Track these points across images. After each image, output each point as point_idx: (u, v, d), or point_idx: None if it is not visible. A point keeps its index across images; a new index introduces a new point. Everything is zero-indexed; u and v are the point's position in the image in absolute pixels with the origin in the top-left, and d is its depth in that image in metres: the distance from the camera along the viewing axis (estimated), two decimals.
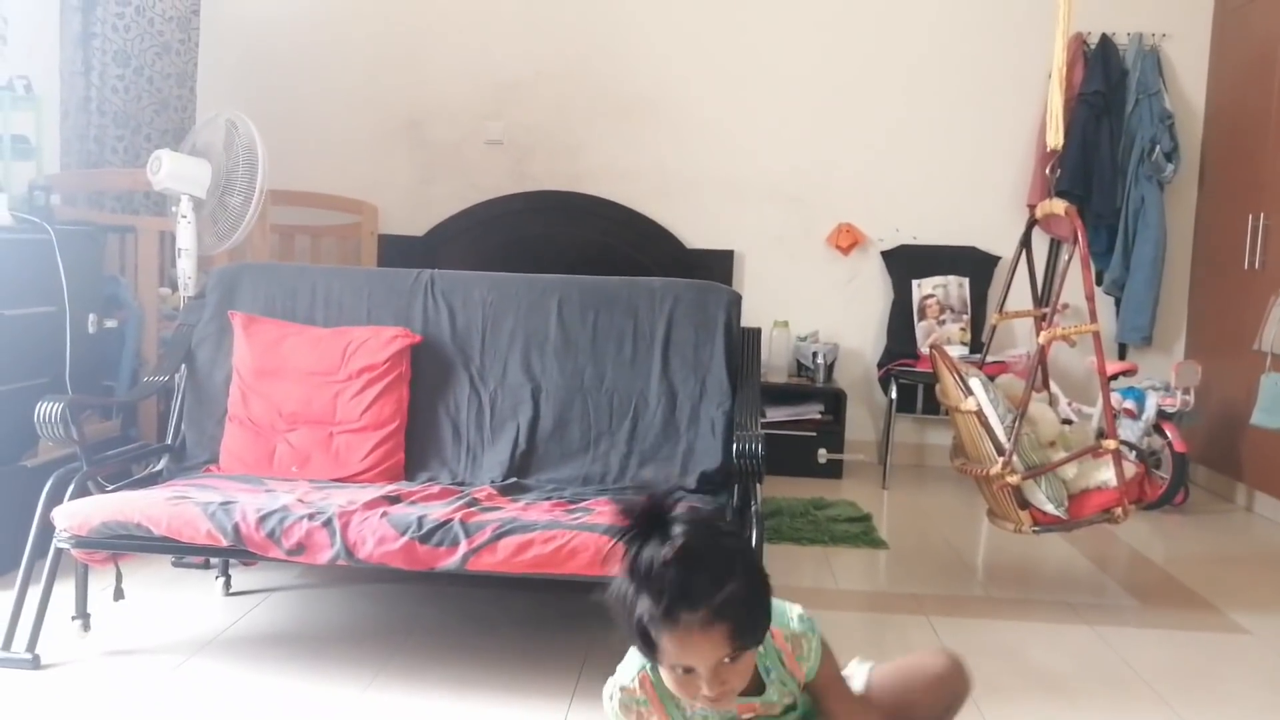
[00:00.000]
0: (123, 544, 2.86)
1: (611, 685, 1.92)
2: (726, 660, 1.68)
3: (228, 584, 3.55)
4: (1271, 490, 5.12)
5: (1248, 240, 5.30)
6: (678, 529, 1.68)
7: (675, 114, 6.20)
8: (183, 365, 3.58)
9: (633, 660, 1.89)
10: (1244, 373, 5.08)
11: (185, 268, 4.08)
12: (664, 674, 1.76)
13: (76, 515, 2.82)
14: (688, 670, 1.70)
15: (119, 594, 3.26)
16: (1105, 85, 5.87)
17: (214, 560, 3.58)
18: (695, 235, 6.18)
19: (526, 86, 6.23)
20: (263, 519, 2.75)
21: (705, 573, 1.66)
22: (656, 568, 1.66)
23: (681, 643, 1.67)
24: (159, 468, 3.45)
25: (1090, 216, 5.80)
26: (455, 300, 3.61)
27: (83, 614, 3.11)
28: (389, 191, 6.20)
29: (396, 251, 5.95)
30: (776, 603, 1.85)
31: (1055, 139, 3.72)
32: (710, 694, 1.70)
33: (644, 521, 1.70)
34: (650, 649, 1.71)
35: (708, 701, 1.72)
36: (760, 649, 1.82)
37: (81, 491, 2.97)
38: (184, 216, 4.07)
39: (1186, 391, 5.12)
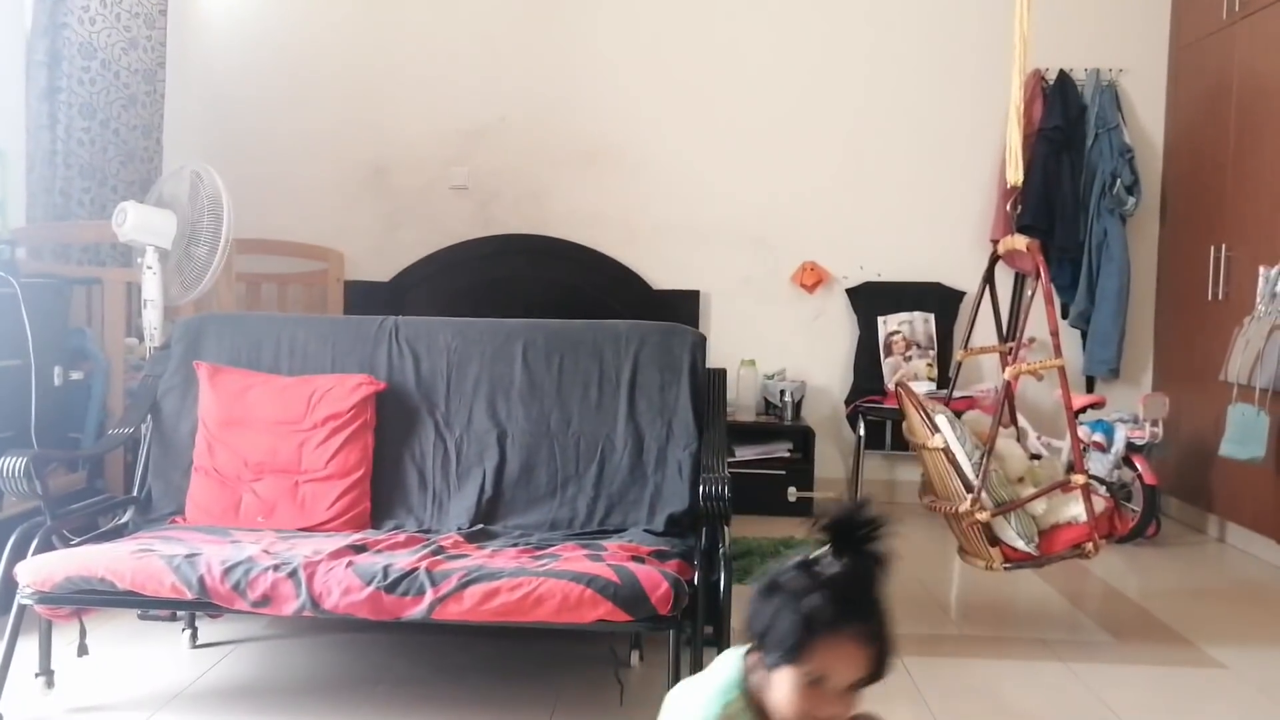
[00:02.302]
0: (87, 599, 2.83)
1: (707, 705, 1.77)
2: (853, 686, 1.68)
3: (194, 636, 3.52)
4: (1242, 521, 5.14)
5: (1210, 271, 5.35)
6: (879, 545, 1.71)
7: (639, 157, 6.23)
8: (148, 416, 3.57)
9: (718, 688, 1.77)
10: (1211, 404, 5.11)
11: (151, 319, 4.06)
12: (780, 686, 1.69)
13: (40, 571, 2.78)
14: (816, 682, 1.66)
15: (83, 649, 3.22)
16: (1064, 120, 5.93)
17: (180, 613, 3.54)
18: (661, 276, 6.20)
19: (491, 132, 6.25)
20: (228, 571, 2.73)
21: (877, 596, 1.70)
22: (844, 572, 1.68)
23: (836, 651, 1.65)
24: (124, 520, 3.42)
25: (1054, 250, 5.85)
26: (420, 346, 3.61)
27: (46, 671, 3.07)
28: (355, 238, 6.21)
29: (363, 297, 5.95)
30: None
31: (1015, 175, 3.76)
32: (823, 714, 1.67)
33: (848, 525, 1.72)
34: (795, 649, 1.66)
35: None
36: None
37: (46, 546, 2.93)
38: (149, 268, 4.05)
39: (1155, 423, 5.15)
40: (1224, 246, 5.27)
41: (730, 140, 6.21)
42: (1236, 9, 5.27)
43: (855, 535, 1.71)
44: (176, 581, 2.72)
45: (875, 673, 1.67)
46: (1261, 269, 4.77)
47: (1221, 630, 3.95)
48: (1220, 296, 5.28)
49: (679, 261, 6.22)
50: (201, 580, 2.72)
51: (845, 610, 1.65)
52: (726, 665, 1.78)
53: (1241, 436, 4.73)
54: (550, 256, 6.17)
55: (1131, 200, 5.87)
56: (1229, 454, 4.78)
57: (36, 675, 3.06)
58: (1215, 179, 5.46)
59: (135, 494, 3.51)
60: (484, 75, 6.25)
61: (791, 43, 6.18)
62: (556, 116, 6.24)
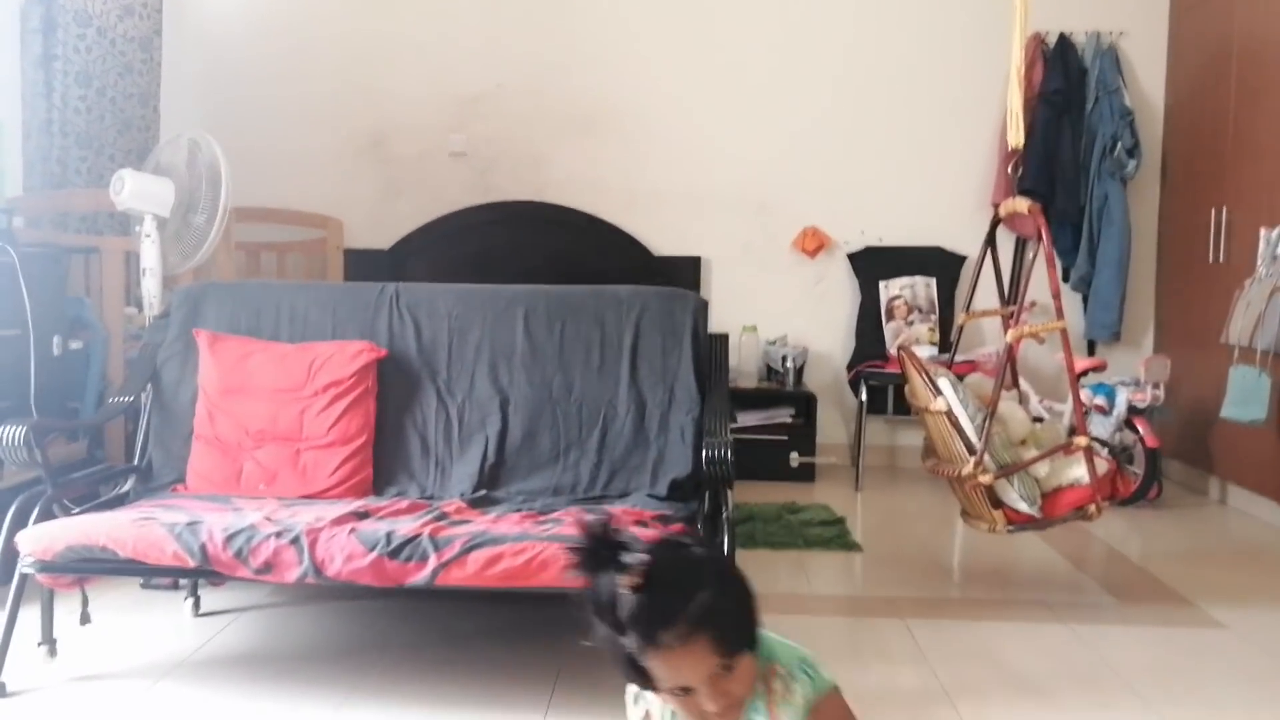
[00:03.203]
0: (89, 567, 2.83)
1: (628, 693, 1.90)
2: (721, 670, 1.64)
3: (197, 605, 3.52)
4: (1243, 482, 5.15)
5: (1211, 234, 5.33)
6: (630, 555, 1.65)
7: (639, 123, 6.20)
8: (148, 385, 3.55)
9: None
10: (1213, 366, 5.10)
11: (150, 287, 4.05)
12: (668, 702, 1.72)
13: (41, 539, 2.78)
14: (686, 690, 1.65)
15: (85, 618, 3.24)
16: (1065, 84, 5.91)
17: (183, 581, 3.54)
18: (662, 243, 6.18)
19: (489, 99, 6.22)
20: (230, 538, 2.73)
21: (672, 588, 1.63)
22: (621, 598, 1.63)
23: (668, 664, 1.63)
24: (126, 489, 3.41)
25: (1054, 214, 5.83)
26: (420, 313, 3.60)
27: (49, 639, 3.08)
28: (354, 206, 6.18)
29: (362, 266, 5.93)
30: (781, 641, 1.81)
31: (1016, 138, 3.73)
32: (714, 708, 1.65)
33: (594, 558, 1.67)
34: (647, 681, 1.67)
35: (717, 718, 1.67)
36: (758, 678, 1.75)
37: (47, 515, 2.93)
38: (148, 236, 4.03)
39: (1156, 386, 5.15)
40: (1224, 209, 5.25)
41: (731, 106, 6.18)
42: None
43: (608, 551, 1.67)
44: (178, 549, 2.72)
45: (728, 649, 1.64)
46: (1262, 231, 4.75)
47: (1222, 591, 3.96)
48: (1221, 259, 5.26)
49: (680, 227, 6.20)
50: (203, 548, 2.71)
51: (648, 629, 1.61)
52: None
53: (1243, 399, 4.72)
54: (550, 223, 6.15)
55: (1132, 163, 5.85)
56: (1230, 416, 4.77)
57: (39, 644, 3.07)
58: (1215, 142, 5.43)
59: (136, 463, 3.50)
60: (482, 41, 6.22)
61: (793, 7, 6.14)
62: (555, 82, 6.21)
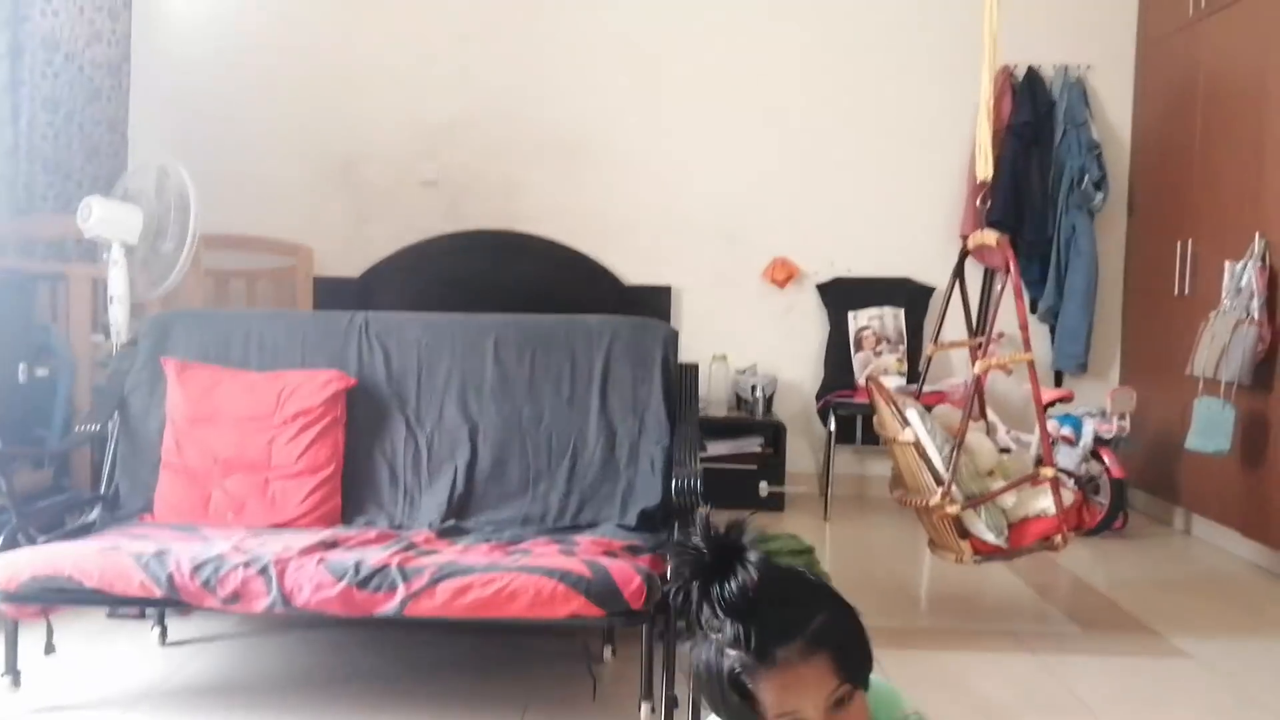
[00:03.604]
0: (54, 597, 2.80)
1: None
2: (836, 701, 1.47)
3: (164, 634, 3.49)
4: (1207, 513, 5.19)
5: (1177, 266, 5.38)
6: (751, 558, 1.48)
7: (610, 152, 6.22)
8: (116, 413, 3.53)
9: None
10: (1178, 397, 5.15)
11: (117, 315, 4.03)
12: None
13: (5, 569, 2.75)
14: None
15: (50, 648, 3.20)
16: (1033, 116, 5.97)
17: (150, 610, 3.51)
18: (632, 272, 6.20)
19: (460, 127, 6.23)
20: (197, 568, 2.71)
21: (792, 602, 1.50)
22: (737, 605, 1.46)
23: (782, 684, 1.45)
24: (92, 518, 3.37)
25: (1023, 245, 5.87)
26: (390, 342, 3.59)
27: (12, 670, 3.04)
28: (324, 234, 6.16)
29: (332, 294, 5.91)
30: (888, 687, 1.69)
31: (984, 171, 3.77)
32: None
33: (714, 561, 1.49)
34: (750, 710, 1.48)
35: None
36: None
37: (11, 544, 2.91)
38: (115, 263, 4.02)
39: (1122, 417, 5.19)
40: (1190, 241, 5.31)
41: (701, 136, 6.21)
42: (1202, 6, 5.31)
43: (727, 555, 1.50)
44: (145, 579, 2.70)
45: (848, 674, 1.48)
46: (1227, 263, 4.81)
47: (1187, 621, 3.98)
48: (1186, 291, 5.32)
49: (650, 257, 6.22)
50: (170, 578, 2.70)
51: (764, 641, 1.46)
52: None
53: (1207, 430, 4.76)
54: (520, 252, 6.15)
55: (1099, 196, 5.92)
56: (1195, 447, 4.81)
57: (2, 674, 3.03)
58: (1181, 175, 5.50)
59: (102, 491, 3.48)
60: (452, 69, 6.23)
61: (763, 39, 6.18)
62: (526, 112, 6.23)
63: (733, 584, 1.46)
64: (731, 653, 1.46)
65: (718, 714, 1.54)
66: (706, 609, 1.48)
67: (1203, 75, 5.34)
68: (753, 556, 1.47)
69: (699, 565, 1.49)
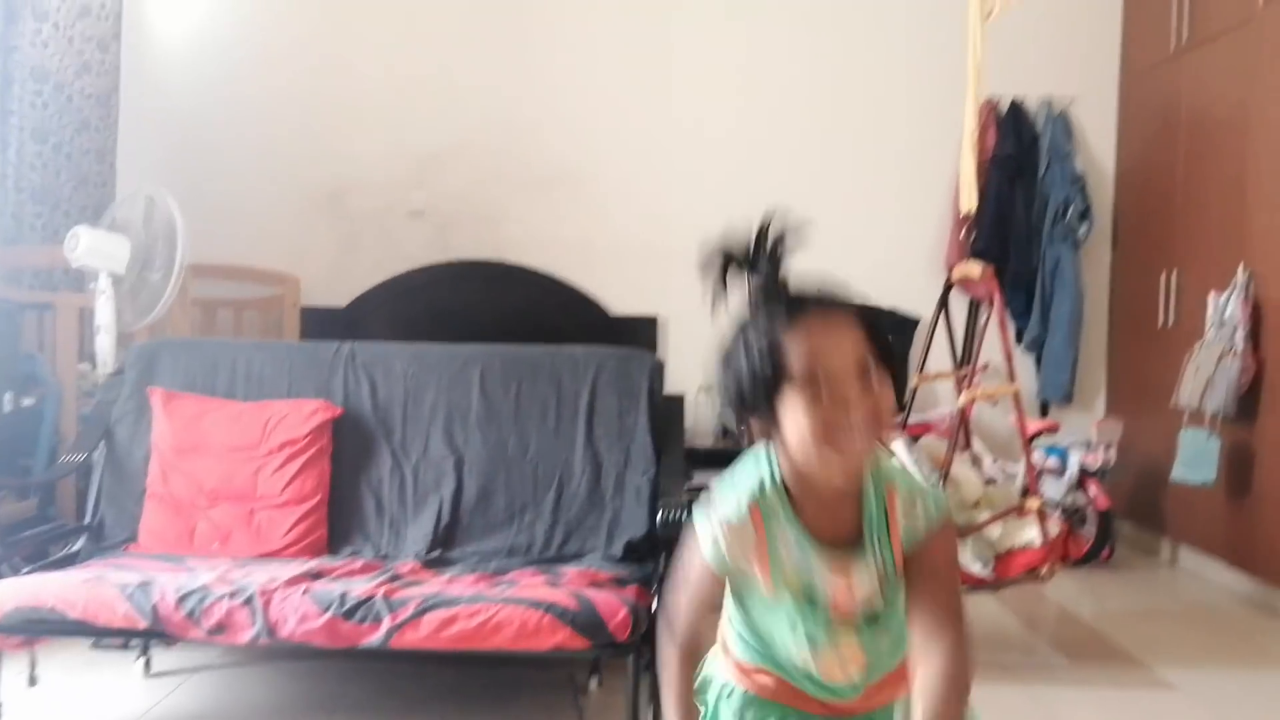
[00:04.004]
0: (38, 628, 2.80)
1: (710, 524, 1.61)
2: (863, 368, 1.48)
3: (148, 665, 3.47)
4: (1194, 544, 5.20)
5: (1161, 298, 5.41)
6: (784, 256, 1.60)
7: (596, 182, 6.24)
8: (101, 443, 3.53)
9: (734, 493, 1.61)
10: (1163, 428, 5.16)
11: (104, 344, 4.03)
12: (788, 424, 1.49)
13: None
14: (814, 387, 1.46)
15: (33, 680, 3.19)
16: (1017, 148, 6.00)
17: (134, 641, 3.50)
18: (619, 302, 6.20)
19: (448, 157, 6.24)
20: (182, 599, 2.70)
21: (832, 288, 1.57)
22: (781, 277, 1.57)
23: (817, 336, 1.48)
24: (76, 548, 3.37)
25: (1008, 276, 5.89)
26: (376, 373, 3.59)
27: None
28: (311, 263, 6.16)
29: (319, 323, 5.90)
30: (892, 463, 1.65)
31: (969, 203, 3.80)
32: (855, 418, 1.46)
33: (757, 249, 1.61)
34: (778, 374, 1.48)
35: (851, 436, 1.46)
36: (870, 490, 1.58)
37: None
38: (103, 293, 4.03)
39: (1108, 448, 5.20)
40: (1174, 273, 5.34)
41: (688, 167, 6.23)
42: (1184, 40, 5.36)
43: (762, 258, 1.60)
44: (130, 610, 2.70)
45: (880, 349, 1.50)
46: (1211, 295, 4.84)
47: (1173, 652, 3.98)
48: (1171, 322, 5.35)
49: (637, 287, 6.22)
50: (155, 609, 2.69)
51: (801, 299, 1.54)
52: (748, 463, 1.63)
53: (1193, 461, 4.78)
54: (507, 282, 6.16)
55: (1084, 227, 5.95)
56: (1180, 478, 4.83)
57: None
58: (1165, 206, 5.54)
59: (87, 521, 3.47)
60: (440, 99, 6.25)
61: (749, 70, 6.22)
62: (513, 140, 6.24)
63: (774, 267, 1.59)
64: (765, 319, 1.53)
65: (735, 397, 1.57)
66: (746, 272, 1.60)
67: (1185, 108, 5.39)
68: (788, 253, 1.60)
69: (740, 243, 1.62)
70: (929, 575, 1.59)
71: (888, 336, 1.54)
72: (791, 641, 1.63)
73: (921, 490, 1.61)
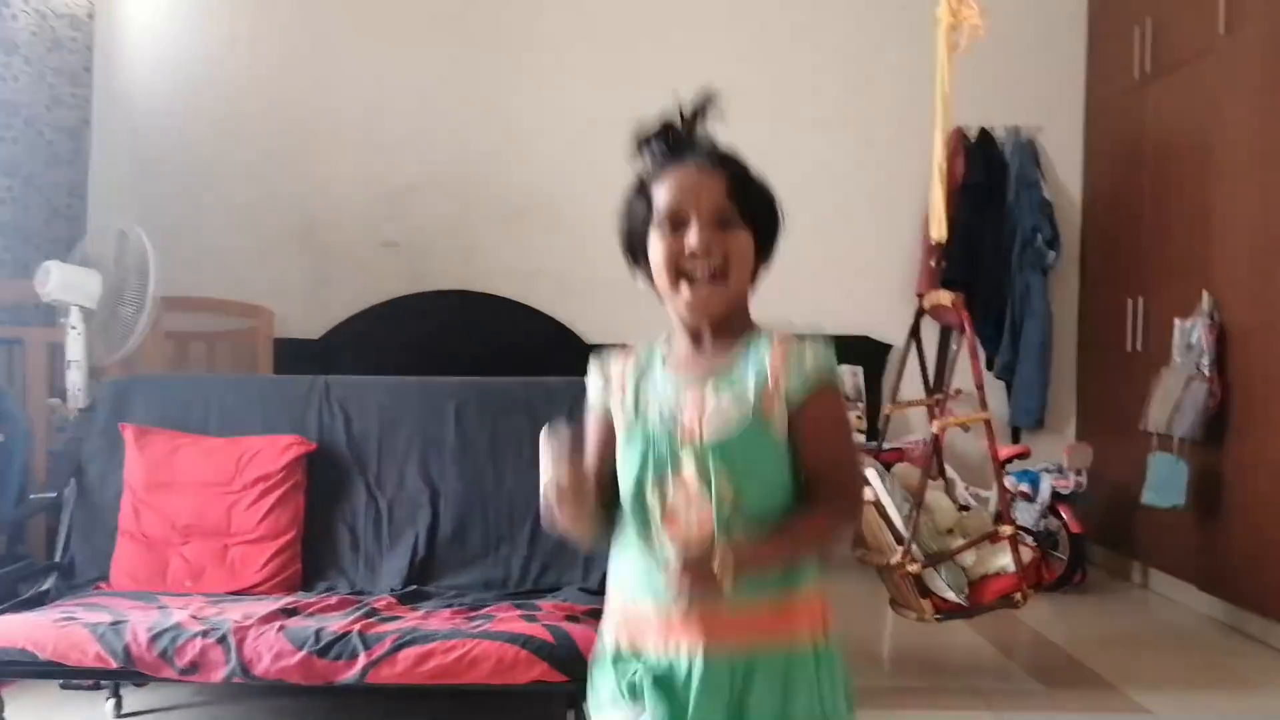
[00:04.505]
0: (6, 670, 2.78)
1: (593, 366, 1.83)
2: (722, 220, 1.63)
3: (118, 705, 3.43)
4: (1164, 567, 5.24)
5: (1129, 323, 5.47)
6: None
7: (570, 212, 6.24)
8: (72, 480, 3.50)
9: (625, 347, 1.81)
10: (1133, 452, 5.20)
11: (75, 380, 4.01)
12: (654, 250, 1.67)
13: None
14: (678, 224, 1.63)
15: None
16: (986, 177, 6.05)
17: (105, 681, 3.46)
18: (595, 331, 6.20)
19: (421, 189, 6.25)
20: (154, 638, 2.69)
21: (712, 140, 1.72)
22: (679, 129, 1.71)
23: (678, 180, 1.65)
24: (46, 587, 3.34)
25: (978, 303, 5.92)
26: (351, 406, 3.59)
27: None
28: (284, 295, 6.14)
29: (292, 355, 5.87)
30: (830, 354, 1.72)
31: (938, 232, 3.84)
32: (696, 244, 1.61)
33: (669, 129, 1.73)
34: (647, 215, 1.68)
35: (692, 256, 1.62)
36: (763, 331, 1.72)
37: None
38: (74, 328, 4.01)
39: (1079, 473, 5.23)
40: (1140, 299, 5.40)
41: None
42: (1147, 70, 5.43)
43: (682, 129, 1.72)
44: (101, 650, 2.68)
45: (742, 198, 1.66)
46: (1176, 321, 4.89)
47: (1147, 676, 4.01)
48: (1138, 347, 5.40)
49: (612, 315, 6.20)
50: (127, 649, 2.68)
51: (674, 146, 1.70)
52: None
53: (1162, 484, 4.82)
54: (483, 313, 6.16)
55: (1052, 254, 6.00)
56: (1150, 502, 4.86)
57: None
58: (1131, 234, 5.60)
59: (57, 560, 3.44)
60: (411, 131, 6.26)
61: (723, 100, 6.24)
62: (486, 171, 6.26)
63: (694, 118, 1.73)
64: (650, 158, 1.71)
65: (629, 255, 1.76)
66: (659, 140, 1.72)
67: (1149, 137, 5.46)
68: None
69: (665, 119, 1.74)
70: (814, 427, 1.64)
71: (770, 207, 1.73)
72: (644, 482, 1.64)
73: (813, 344, 1.69)
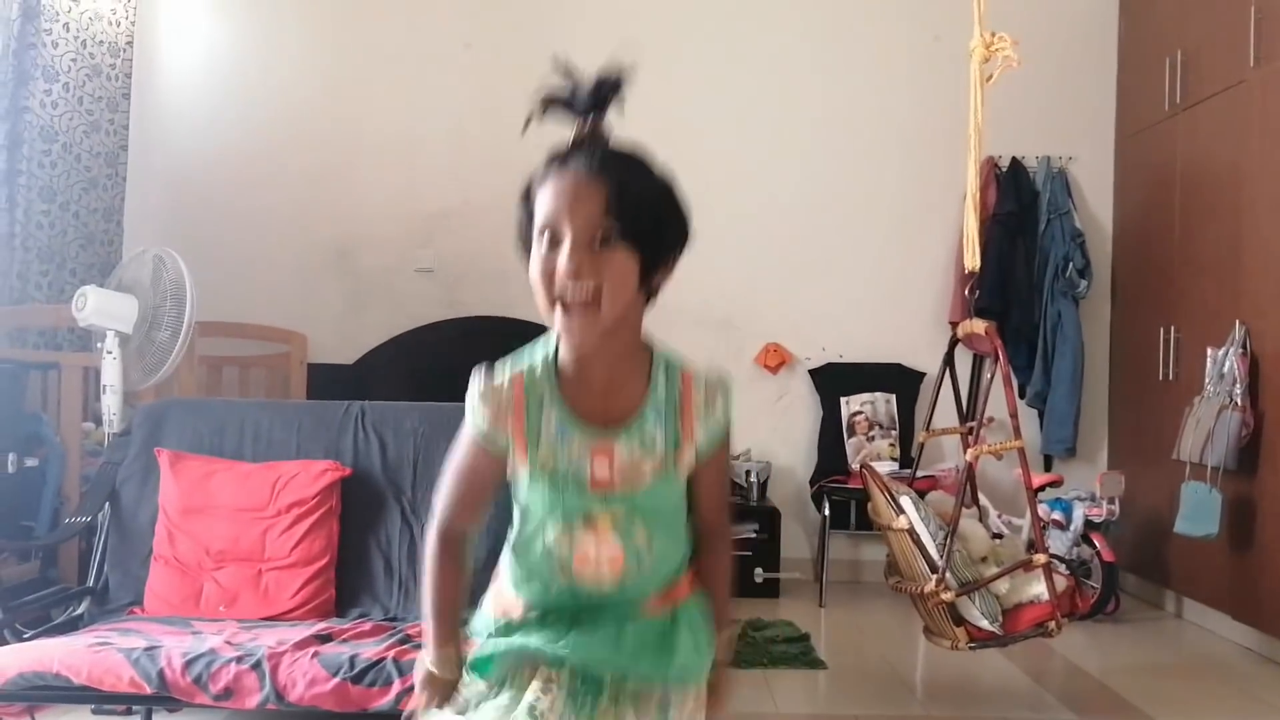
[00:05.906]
0: (41, 695, 2.79)
1: (480, 377, 1.70)
2: (601, 239, 1.51)
3: None
4: (1198, 596, 5.20)
5: (1161, 352, 5.44)
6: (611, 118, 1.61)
7: None
8: (106, 504, 3.52)
9: (507, 364, 1.71)
10: (1165, 481, 5.17)
11: (110, 404, 4.03)
12: (532, 261, 1.57)
13: None
14: (555, 241, 1.52)
15: None
16: (1018, 206, 6.05)
17: (136, 706, 3.47)
18: None
19: (456, 215, 6.28)
20: (189, 663, 2.69)
21: (610, 148, 1.61)
22: (586, 129, 1.63)
23: (556, 191, 1.54)
24: (80, 611, 3.36)
25: (1010, 332, 5.93)
26: (386, 431, 3.59)
27: None
28: (318, 321, 6.18)
29: (326, 380, 5.91)
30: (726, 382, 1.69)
31: (972, 261, 3.83)
32: (564, 267, 1.50)
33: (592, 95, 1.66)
34: (529, 218, 1.59)
35: (562, 279, 1.51)
36: (664, 371, 1.65)
37: None
38: (110, 353, 4.04)
39: (1112, 501, 5.20)
40: (1173, 328, 5.37)
41: (694, 223, 6.25)
42: (1178, 101, 5.42)
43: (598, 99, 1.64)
44: (135, 675, 2.68)
45: (618, 217, 1.52)
46: (1209, 350, 4.86)
47: (1179, 705, 3.98)
48: (1171, 376, 5.37)
49: None
50: (162, 674, 2.68)
51: (561, 156, 1.59)
52: (537, 342, 1.71)
53: (1195, 514, 4.78)
54: (517, 339, 6.06)
55: (1083, 283, 5.99)
56: (1184, 531, 4.83)
57: None
58: (1162, 263, 5.58)
59: (91, 584, 3.45)
60: (447, 158, 6.30)
61: (754, 128, 6.27)
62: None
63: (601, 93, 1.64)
64: (546, 160, 1.61)
65: (522, 253, 1.64)
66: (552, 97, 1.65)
67: (1180, 167, 5.45)
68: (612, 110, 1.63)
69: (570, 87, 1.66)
70: (716, 475, 1.69)
71: (658, 222, 1.61)
72: (550, 524, 1.62)
73: (720, 383, 1.66)
